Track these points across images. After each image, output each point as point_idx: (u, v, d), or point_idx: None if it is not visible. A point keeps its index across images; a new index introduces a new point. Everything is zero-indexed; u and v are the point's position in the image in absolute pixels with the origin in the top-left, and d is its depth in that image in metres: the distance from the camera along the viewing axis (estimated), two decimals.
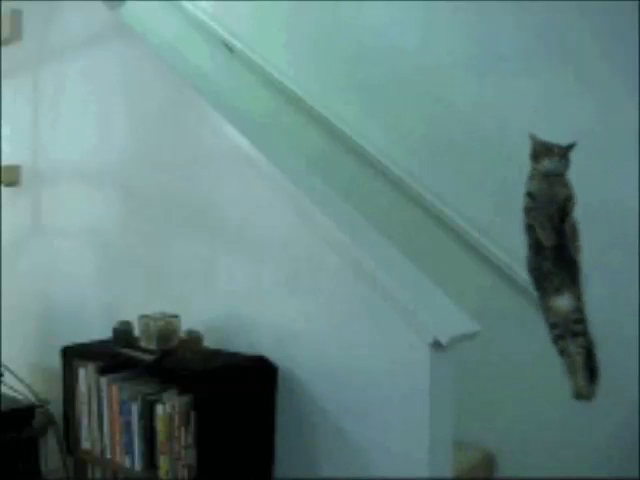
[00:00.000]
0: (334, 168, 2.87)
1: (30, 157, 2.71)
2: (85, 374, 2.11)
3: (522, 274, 2.60)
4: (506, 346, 2.64)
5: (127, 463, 2.01)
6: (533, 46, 2.61)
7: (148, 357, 1.98)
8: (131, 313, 2.15)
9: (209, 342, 2.07)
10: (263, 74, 3.18)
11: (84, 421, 2.12)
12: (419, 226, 2.82)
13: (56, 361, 2.22)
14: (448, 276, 2.33)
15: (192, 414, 1.86)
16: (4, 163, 2.74)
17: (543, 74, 2.59)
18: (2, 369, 2.45)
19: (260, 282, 2.07)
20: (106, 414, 2.06)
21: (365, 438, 1.89)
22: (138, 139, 2.38)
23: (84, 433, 2.13)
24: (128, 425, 2.00)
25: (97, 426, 2.09)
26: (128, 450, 2.00)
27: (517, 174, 2.68)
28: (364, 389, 1.88)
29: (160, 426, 1.91)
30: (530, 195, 1.78)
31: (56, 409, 2.34)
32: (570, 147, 1.76)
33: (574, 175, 2.64)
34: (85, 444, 2.13)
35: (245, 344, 2.08)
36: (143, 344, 2.04)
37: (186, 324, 2.06)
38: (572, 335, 1.76)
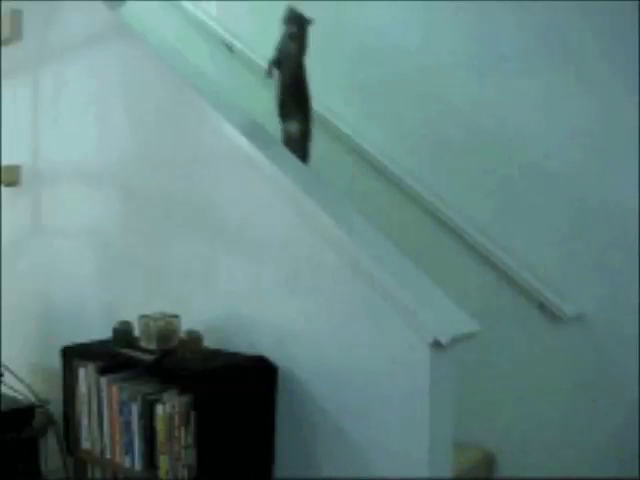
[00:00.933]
0: (334, 168, 2.87)
1: (30, 157, 2.70)
2: (85, 374, 2.11)
3: (522, 274, 2.61)
4: (506, 346, 2.65)
5: (127, 463, 2.01)
6: (534, 46, 2.61)
7: (148, 357, 1.98)
8: (131, 313, 2.15)
9: (209, 342, 2.07)
10: (263, 74, 3.17)
11: (84, 421, 2.12)
12: (419, 226, 2.82)
13: (56, 361, 2.22)
14: (448, 276, 2.33)
15: (192, 414, 1.86)
16: (4, 163, 2.74)
17: (544, 74, 2.59)
18: (2, 369, 2.45)
19: (260, 282, 2.07)
20: (106, 414, 2.06)
21: (365, 438, 1.88)
22: (138, 139, 2.38)
23: (84, 433, 2.13)
24: (128, 425, 2.00)
25: (97, 426, 2.09)
26: (128, 450, 2.00)
27: (517, 174, 2.69)
28: (364, 389, 1.88)
29: (160, 426, 1.91)
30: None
31: (56, 409, 2.34)
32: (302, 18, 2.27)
33: (574, 175, 2.64)
34: (85, 444, 2.13)
35: (245, 344, 2.08)
36: (143, 344, 2.04)
37: (186, 324, 2.06)
38: None
